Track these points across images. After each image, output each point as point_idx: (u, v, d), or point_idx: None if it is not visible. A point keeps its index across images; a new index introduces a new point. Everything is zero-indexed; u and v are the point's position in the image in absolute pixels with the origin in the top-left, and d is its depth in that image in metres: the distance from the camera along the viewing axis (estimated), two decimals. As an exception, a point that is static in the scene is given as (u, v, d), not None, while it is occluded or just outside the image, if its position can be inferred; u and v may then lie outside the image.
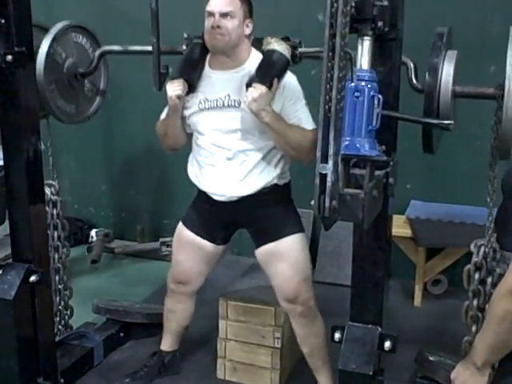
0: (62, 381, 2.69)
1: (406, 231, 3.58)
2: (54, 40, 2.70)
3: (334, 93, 1.44)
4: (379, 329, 2.01)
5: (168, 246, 4.21)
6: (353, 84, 1.65)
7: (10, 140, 2.36)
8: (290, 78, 2.41)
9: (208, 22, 2.38)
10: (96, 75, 3.00)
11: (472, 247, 2.43)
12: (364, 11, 1.70)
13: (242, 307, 2.87)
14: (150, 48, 2.73)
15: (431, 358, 2.58)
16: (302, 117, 2.40)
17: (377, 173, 1.72)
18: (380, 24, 1.73)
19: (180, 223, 2.71)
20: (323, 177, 1.47)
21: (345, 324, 2.05)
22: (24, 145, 2.35)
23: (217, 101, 2.44)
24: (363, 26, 1.72)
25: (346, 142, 1.64)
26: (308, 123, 2.40)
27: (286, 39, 2.38)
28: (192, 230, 2.64)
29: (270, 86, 2.25)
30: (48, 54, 2.66)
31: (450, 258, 3.68)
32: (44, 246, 2.50)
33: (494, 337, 1.75)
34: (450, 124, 1.82)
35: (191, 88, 2.45)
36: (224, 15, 2.34)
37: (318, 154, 1.47)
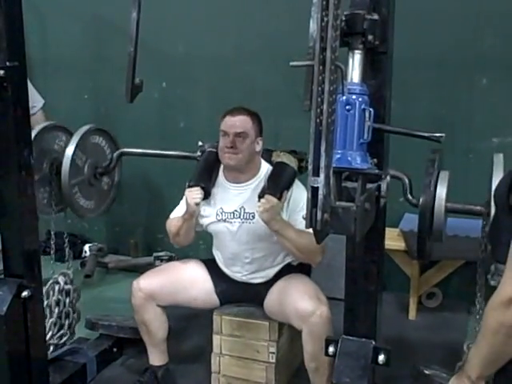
0: (54, 397, 2.67)
1: (400, 244, 3.58)
2: (77, 147, 2.88)
3: (325, 106, 1.44)
4: (373, 342, 2.00)
5: (162, 260, 4.20)
6: (344, 97, 1.65)
7: (2, 154, 2.36)
8: (297, 188, 2.67)
9: (222, 141, 2.63)
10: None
11: None
12: (354, 25, 1.70)
13: (237, 322, 2.85)
14: (169, 152, 3.00)
15: (426, 372, 2.58)
16: None
17: (369, 186, 1.72)
18: (370, 38, 1.73)
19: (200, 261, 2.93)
20: (315, 190, 1.47)
21: (338, 338, 2.04)
22: (16, 159, 2.34)
23: (233, 213, 2.72)
24: (354, 39, 1.72)
25: (338, 155, 1.64)
26: None
27: (293, 152, 2.71)
28: (211, 275, 2.86)
29: (279, 197, 2.52)
30: (72, 160, 2.84)
31: (444, 271, 3.68)
32: (36, 262, 2.49)
33: (488, 349, 1.73)
34: (440, 137, 1.82)
35: (206, 194, 2.71)
36: (238, 135, 2.59)
37: (310, 167, 1.47)
